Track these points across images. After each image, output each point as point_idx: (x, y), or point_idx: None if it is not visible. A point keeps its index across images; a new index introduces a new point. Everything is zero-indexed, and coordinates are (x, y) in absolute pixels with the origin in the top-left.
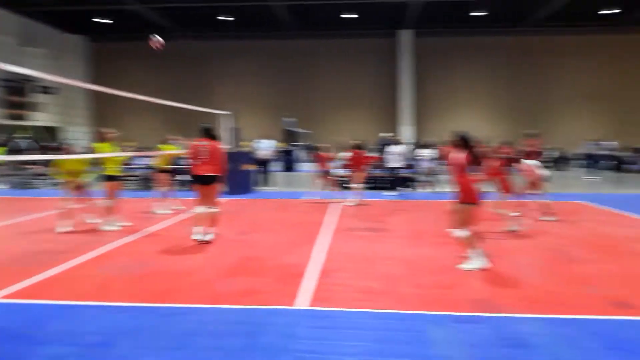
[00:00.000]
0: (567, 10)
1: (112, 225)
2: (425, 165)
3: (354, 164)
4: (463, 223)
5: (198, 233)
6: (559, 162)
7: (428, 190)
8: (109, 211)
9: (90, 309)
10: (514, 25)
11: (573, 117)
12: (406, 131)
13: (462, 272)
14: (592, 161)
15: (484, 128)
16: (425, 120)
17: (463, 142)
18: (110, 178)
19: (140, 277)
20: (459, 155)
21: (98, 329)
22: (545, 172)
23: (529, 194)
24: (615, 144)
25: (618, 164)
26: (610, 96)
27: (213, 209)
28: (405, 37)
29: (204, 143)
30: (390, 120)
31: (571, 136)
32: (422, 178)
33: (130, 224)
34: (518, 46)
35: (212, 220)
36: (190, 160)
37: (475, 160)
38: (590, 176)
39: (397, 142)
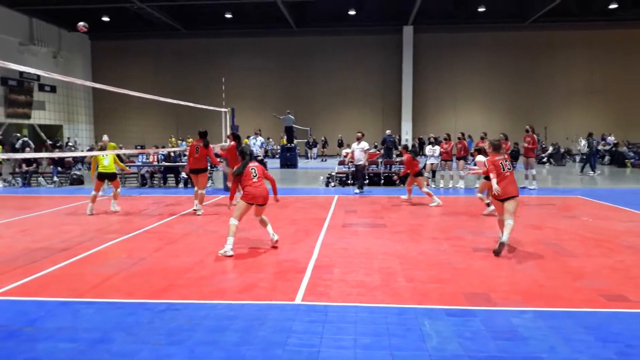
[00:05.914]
0: (567, 4)
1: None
2: (430, 162)
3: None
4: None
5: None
6: (558, 157)
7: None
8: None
9: (86, 306)
10: (513, 21)
11: (572, 112)
12: (406, 127)
13: (457, 267)
14: (592, 156)
15: (480, 124)
16: (423, 116)
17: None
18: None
19: (136, 274)
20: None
21: (95, 325)
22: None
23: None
24: (612, 138)
25: (617, 159)
26: (610, 91)
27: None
28: (407, 34)
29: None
30: (395, 117)
31: (570, 131)
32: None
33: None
34: (517, 42)
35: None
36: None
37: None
38: (590, 171)
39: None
